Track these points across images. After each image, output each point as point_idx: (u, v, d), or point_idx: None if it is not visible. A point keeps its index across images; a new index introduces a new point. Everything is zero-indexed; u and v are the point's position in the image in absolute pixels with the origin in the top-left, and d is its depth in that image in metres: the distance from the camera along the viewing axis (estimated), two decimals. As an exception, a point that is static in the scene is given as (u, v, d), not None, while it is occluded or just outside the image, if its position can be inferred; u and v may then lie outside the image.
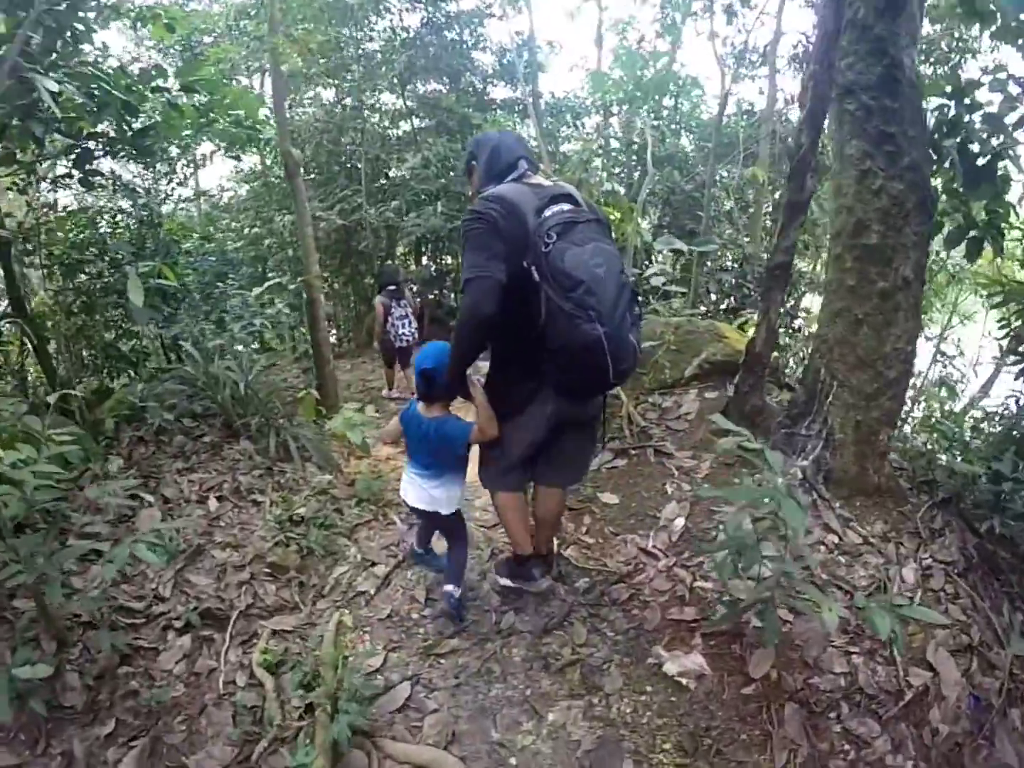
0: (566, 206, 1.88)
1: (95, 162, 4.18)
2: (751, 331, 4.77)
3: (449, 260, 10.13)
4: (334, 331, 12.11)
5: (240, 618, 2.97)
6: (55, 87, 2.73)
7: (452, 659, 2.62)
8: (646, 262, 6.93)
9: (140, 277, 3.99)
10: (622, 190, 4.56)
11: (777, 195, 9.72)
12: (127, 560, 2.32)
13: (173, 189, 6.51)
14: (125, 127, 3.83)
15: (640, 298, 2.06)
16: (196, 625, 2.78)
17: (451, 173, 8.21)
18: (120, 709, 2.45)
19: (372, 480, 4.01)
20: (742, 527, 2.04)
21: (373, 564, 3.31)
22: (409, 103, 9.18)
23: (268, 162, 10.02)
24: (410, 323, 5.99)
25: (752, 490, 1.98)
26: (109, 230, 5.65)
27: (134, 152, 4.41)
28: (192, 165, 6.23)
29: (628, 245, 5.31)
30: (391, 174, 9.28)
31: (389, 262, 8.90)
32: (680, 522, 3.10)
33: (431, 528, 2.96)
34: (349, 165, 9.34)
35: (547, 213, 1.84)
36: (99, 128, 3.87)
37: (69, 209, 5.54)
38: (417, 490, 2.54)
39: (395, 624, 2.87)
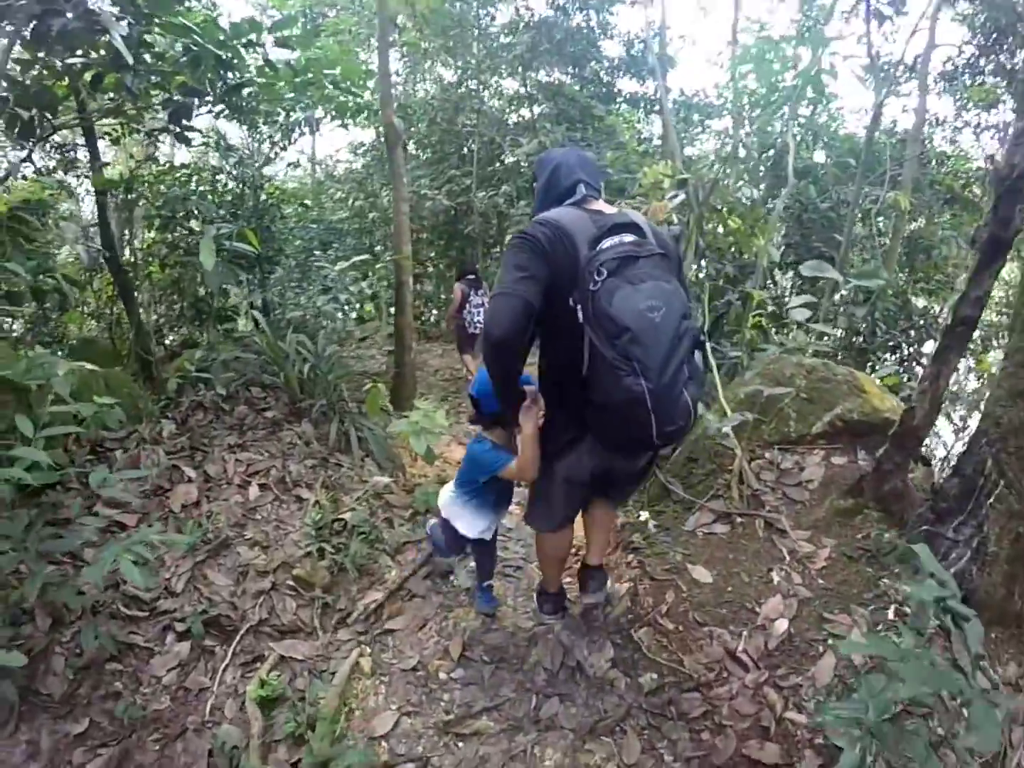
0: (627, 237, 1.62)
1: (193, 118, 4.02)
2: (883, 382, 3.99)
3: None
4: (434, 312, 12.01)
5: (249, 633, 2.64)
6: (124, 30, 2.45)
7: (473, 744, 2.15)
8: (770, 283, 6.11)
9: (221, 239, 3.77)
10: (755, 194, 3.85)
11: (913, 226, 8.57)
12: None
13: (276, 153, 6.35)
14: (219, 82, 3.63)
15: (709, 344, 1.94)
16: (198, 634, 2.45)
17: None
18: (97, 710, 2.20)
19: (435, 491, 3.58)
20: (887, 700, 1.41)
21: (412, 596, 2.89)
22: (529, 88, 8.71)
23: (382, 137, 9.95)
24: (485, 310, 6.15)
25: (923, 669, 1.34)
26: (207, 188, 5.58)
27: (228, 109, 4.22)
28: (298, 130, 6.05)
29: (758, 263, 4.60)
30: (506, 161, 8.87)
31: (470, 251, 8.88)
32: (782, 625, 2.45)
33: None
34: (463, 147, 9.01)
35: (604, 245, 1.60)
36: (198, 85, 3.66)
37: (168, 164, 5.49)
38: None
39: (418, 681, 2.43)
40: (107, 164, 4.32)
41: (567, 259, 1.64)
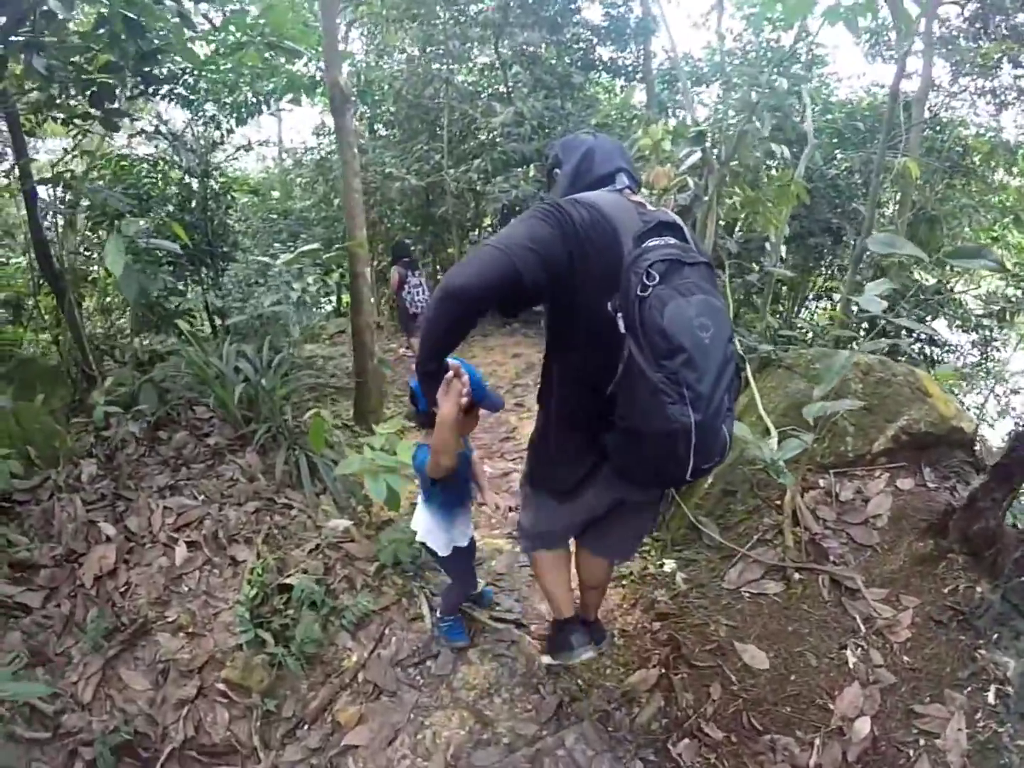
0: (672, 239, 1.32)
1: (123, 100, 3.32)
2: (938, 380, 3.37)
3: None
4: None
5: (172, 759, 1.99)
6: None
7: None
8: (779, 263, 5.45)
9: (138, 236, 3.05)
10: (786, 152, 3.17)
11: (915, 195, 7.99)
12: None
13: (223, 137, 5.56)
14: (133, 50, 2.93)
15: (740, 375, 1.57)
16: (109, 764, 1.81)
17: (548, 134, 6.94)
18: None
19: (404, 536, 2.92)
20: None
21: (378, 693, 2.23)
22: (503, 55, 7.90)
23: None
24: (424, 291, 6.52)
25: None
26: (149, 180, 5.03)
27: (145, 84, 3.49)
28: (245, 110, 5.26)
29: (777, 236, 3.96)
30: (479, 135, 8.09)
31: (400, 236, 8.58)
32: (864, 727, 1.86)
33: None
34: (433, 123, 8.22)
35: (650, 243, 1.29)
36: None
37: (105, 155, 4.72)
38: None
39: (388, 833, 1.79)
40: (32, 160, 3.61)
41: (608, 253, 1.31)
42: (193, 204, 5.50)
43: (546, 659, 2.17)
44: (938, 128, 7.98)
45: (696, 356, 1.20)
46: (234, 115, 5.50)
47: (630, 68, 9.94)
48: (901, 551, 2.33)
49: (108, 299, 5.31)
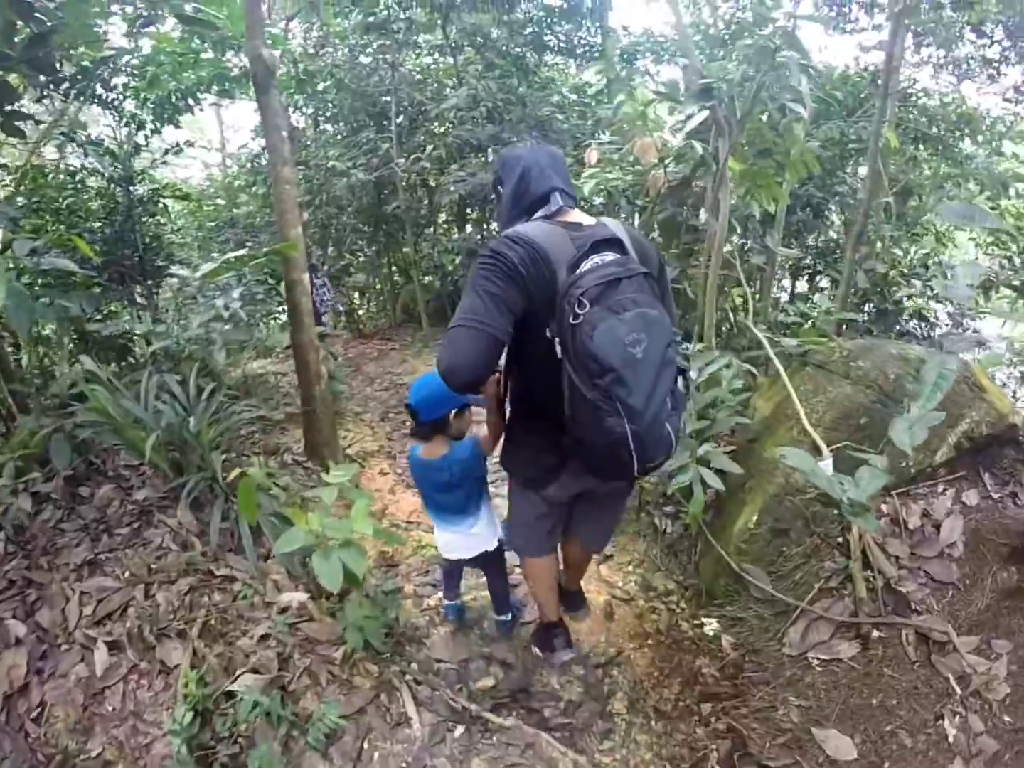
0: (609, 256, 1.38)
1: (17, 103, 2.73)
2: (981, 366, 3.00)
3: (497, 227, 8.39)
4: (363, 308, 10.61)
5: None
6: None
7: None
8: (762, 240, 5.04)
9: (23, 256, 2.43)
10: (803, 111, 2.72)
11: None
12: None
13: (147, 139, 4.92)
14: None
15: (685, 376, 1.72)
16: None
17: (503, 119, 6.40)
18: None
19: (378, 607, 2.38)
20: None
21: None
22: (452, 38, 7.30)
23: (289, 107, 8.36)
24: (328, 290, 6.86)
25: None
26: (67, 191, 4.57)
27: (32, 71, 2.88)
28: (169, 107, 4.63)
29: (779, 212, 3.55)
30: (432, 126, 7.47)
31: (401, 235, 8.22)
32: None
33: (461, 570, 2.48)
34: (381, 112, 7.57)
35: (584, 267, 1.36)
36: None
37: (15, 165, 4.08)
38: (464, 540, 2.14)
39: None
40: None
41: (544, 285, 1.38)
42: (117, 215, 4.87)
43: (535, 649, 2.30)
44: (906, 99, 7.77)
45: (625, 373, 1.29)
46: (158, 114, 4.87)
47: (586, 48, 9.44)
48: (985, 585, 1.92)
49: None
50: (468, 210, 8.11)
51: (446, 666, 2.34)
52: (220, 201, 9.73)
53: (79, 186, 4.82)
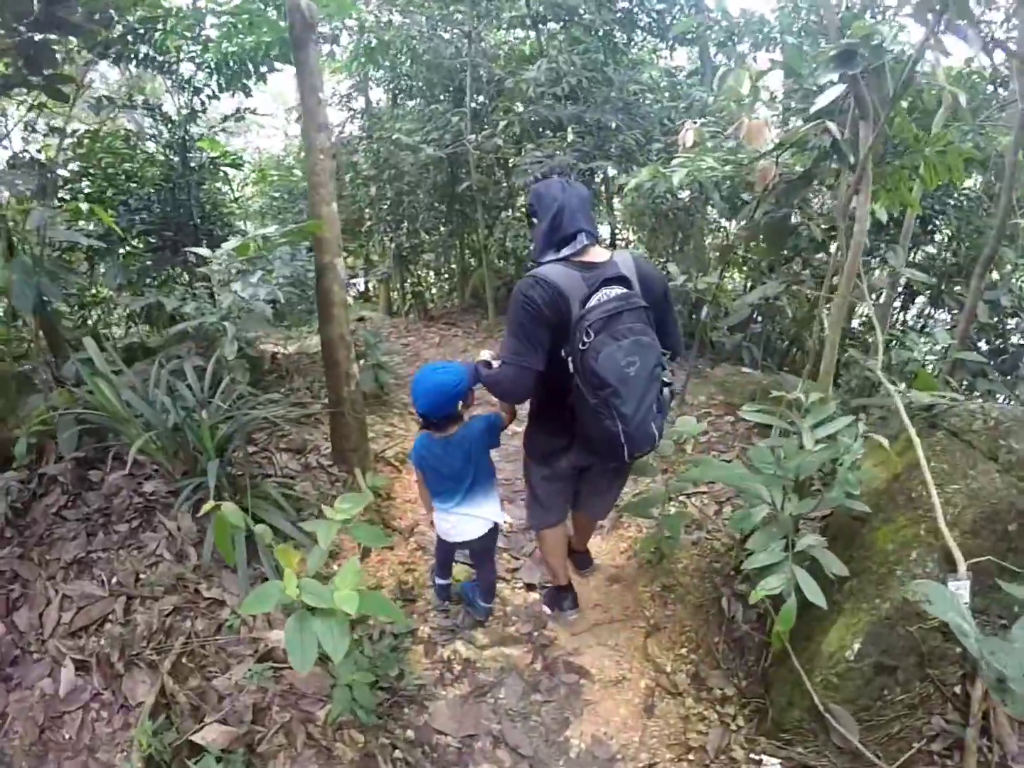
0: (614, 291, 1.77)
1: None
2: None
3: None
4: (432, 289, 10.33)
5: None
6: None
7: None
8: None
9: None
10: (962, 98, 2.09)
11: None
12: None
13: (203, 104, 4.71)
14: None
15: (668, 388, 1.94)
16: None
17: (587, 99, 5.85)
18: None
19: (377, 664, 2.04)
20: None
21: None
22: (537, 6, 6.73)
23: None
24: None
25: None
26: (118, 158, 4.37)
27: (51, 29, 2.67)
28: (228, 73, 4.40)
29: (907, 223, 2.92)
30: (510, 103, 6.98)
31: (473, 216, 7.54)
32: None
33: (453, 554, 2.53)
34: (458, 88, 7.16)
35: (592, 303, 1.74)
36: None
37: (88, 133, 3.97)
38: (471, 522, 2.21)
39: None
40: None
41: (561, 319, 1.76)
42: (171, 182, 4.72)
43: (545, 608, 2.60)
44: None
45: (620, 388, 1.69)
46: (216, 78, 4.66)
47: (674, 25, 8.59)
48: None
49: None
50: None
51: (446, 741, 1.98)
52: (298, 172, 9.70)
53: (134, 152, 4.65)
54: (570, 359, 1.74)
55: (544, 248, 1.90)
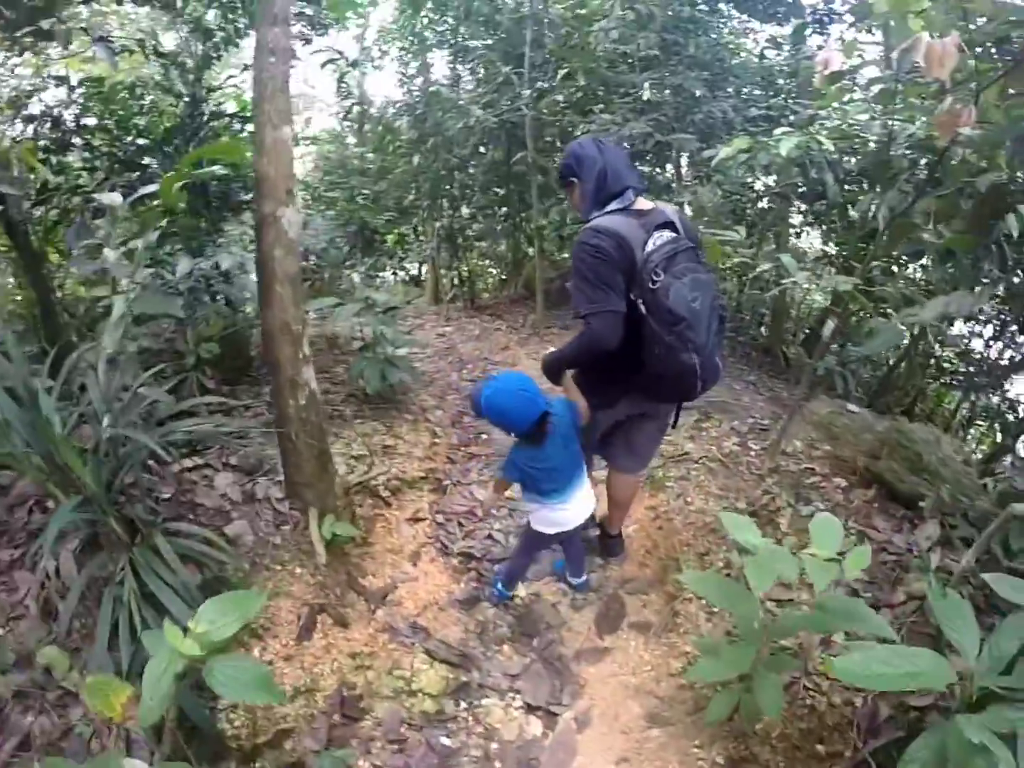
0: (667, 234, 1.89)
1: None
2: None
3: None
4: (483, 276, 9.49)
5: None
6: None
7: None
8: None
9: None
10: None
11: None
12: None
13: (218, 50, 4.06)
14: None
15: (723, 320, 2.00)
16: None
17: (671, 58, 4.86)
18: None
19: None
20: None
21: None
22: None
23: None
24: None
25: None
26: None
27: None
28: (242, 12, 3.74)
29: None
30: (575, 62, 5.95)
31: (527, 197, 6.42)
32: None
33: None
34: (520, 55, 6.23)
35: (650, 247, 1.84)
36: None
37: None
38: (584, 502, 2.17)
39: None
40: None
41: (628, 263, 1.83)
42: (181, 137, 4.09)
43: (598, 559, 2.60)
44: None
45: (692, 320, 1.77)
46: (230, 20, 4.00)
47: (772, 9, 7.27)
48: None
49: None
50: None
51: None
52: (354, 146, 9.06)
53: (143, 103, 4.05)
54: (640, 301, 1.80)
55: (592, 207, 1.98)
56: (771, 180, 4.99)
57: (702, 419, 3.44)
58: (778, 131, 3.57)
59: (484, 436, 3.88)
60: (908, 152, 2.35)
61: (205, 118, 4.16)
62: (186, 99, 4.05)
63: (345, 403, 3.65)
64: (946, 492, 1.94)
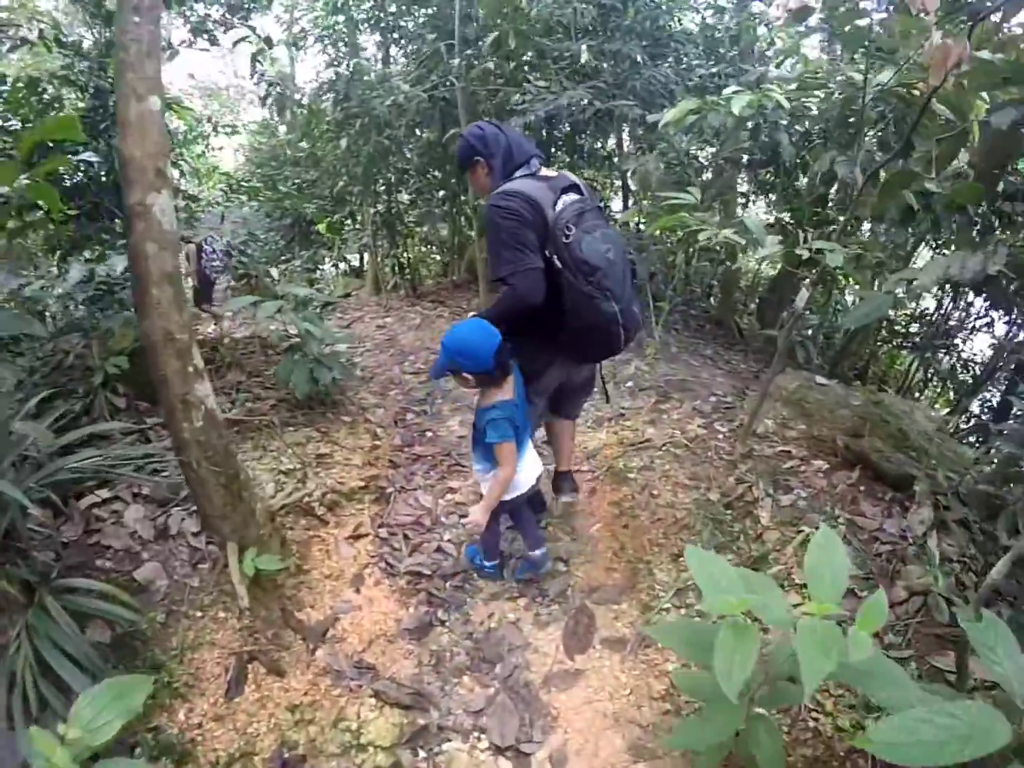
0: (573, 196, 1.97)
1: None
2: None
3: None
4: (422, 262, 9.07)
5: None
6: None
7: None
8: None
9: None
10: None
11: None
12: None
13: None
14: None
15: (634, 273, 2.19)
16: None
17: (608, 24, 4.61)
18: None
19: None
20: None
21: None
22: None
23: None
24: (220, 255, 5.77)
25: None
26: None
27: None
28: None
29: None
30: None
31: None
32: None
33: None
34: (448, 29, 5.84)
35: (559, 206, 1.92)
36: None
37: None
38: (532, 465, 2.14)
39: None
40: None
41: (539, 221, 1.89)
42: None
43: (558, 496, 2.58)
44: None
45: (608, 270, 1.85)
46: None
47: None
48: None
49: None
50: (552, 146, 6.26)
51: None
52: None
53: (45, 99, 3.57)
54: (555, 257, 1.87)
55: (501, 176, 2.02)
56: (715, 148, 4.84)
57: (661, 400, 3.24)
58: (727, 90, 3.38)
59: (429, 434, 3.59)
60: (876, 105, 2.17)
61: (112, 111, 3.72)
62: (90, 91, 3.60)
63: (275, 410, 3.30)
64: (940, 472, 1.77)
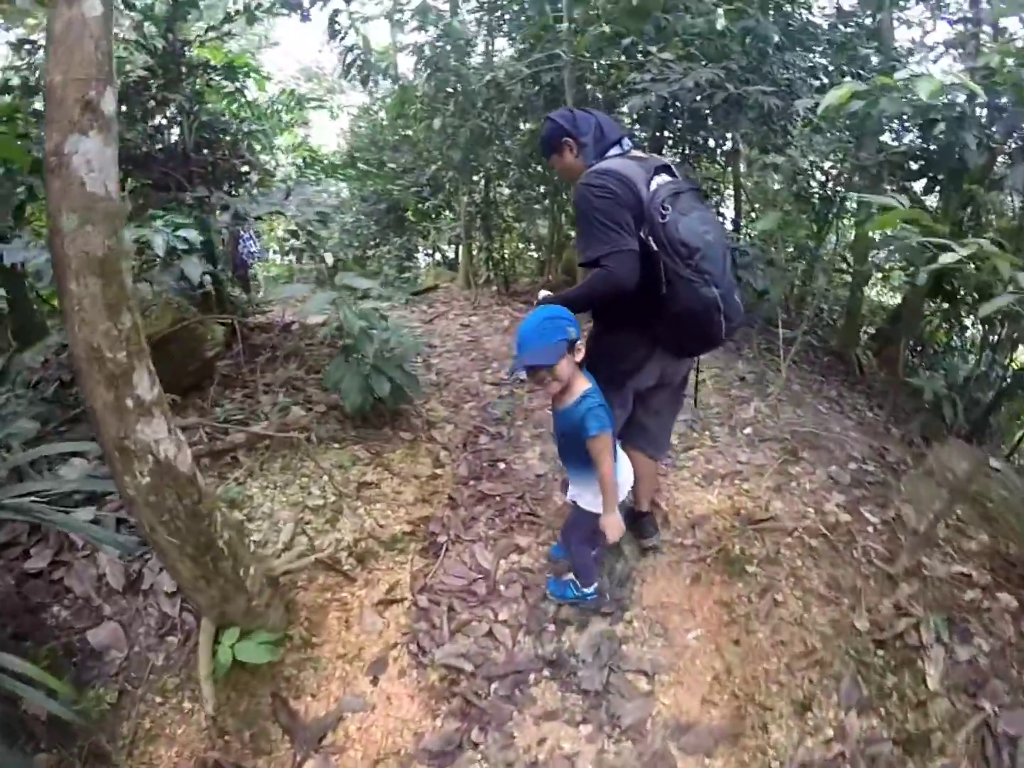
0: (667, 177, 1.90)
1: None
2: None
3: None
4: (519, 258, 8.50)
5: None
6: None
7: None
8: None
9: None
10: None
11: None
12: None
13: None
14: None
15: (735, 256, 2.19)
16: None
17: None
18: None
19: None
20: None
21: None
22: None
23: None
24: (255, 240, 5.50)
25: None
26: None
27: None
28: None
29: None
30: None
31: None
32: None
33: None
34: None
35: (654, 186, 1.83)
36: None
37: None
38: (626, 467, 1.99)
39: None
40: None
41: (634, 200, 1.78)
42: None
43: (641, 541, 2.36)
44: None
45: (707, 252, 1.72)
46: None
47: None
48: None
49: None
50: (665, 130, 5.44)
51: None
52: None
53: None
54: (651, 238, 1.76)
55: (593, 156, 1.95)
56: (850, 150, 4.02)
57: (788, 459, 2.57)
58: (899, 73, 2.66)
59: (501, 465, 2.96)
60: None
61: (183, 72, 3.49)
62: (160, 54, 3.38)
63: (323, 419, 2.90)
64: None
